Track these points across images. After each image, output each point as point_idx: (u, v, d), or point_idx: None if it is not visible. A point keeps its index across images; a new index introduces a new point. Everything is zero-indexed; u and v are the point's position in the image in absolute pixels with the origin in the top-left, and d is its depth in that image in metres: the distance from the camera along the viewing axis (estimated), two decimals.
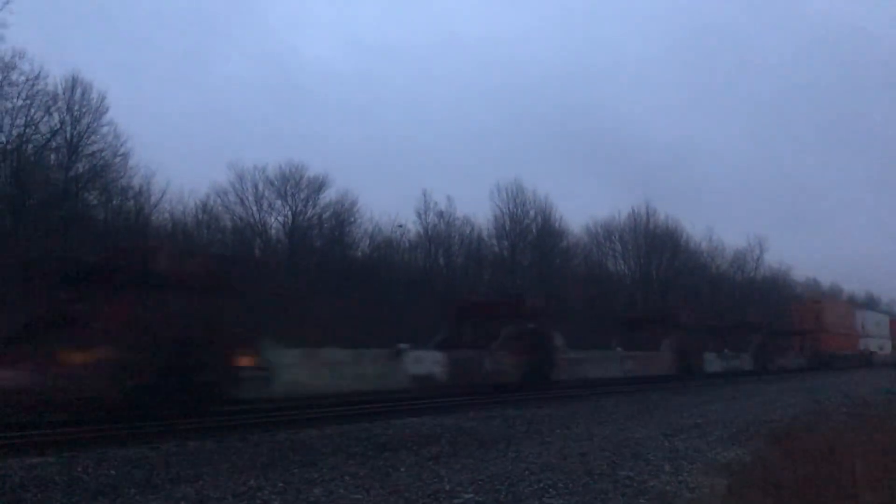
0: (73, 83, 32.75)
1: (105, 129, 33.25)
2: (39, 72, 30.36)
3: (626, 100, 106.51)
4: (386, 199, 60.72)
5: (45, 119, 31.22)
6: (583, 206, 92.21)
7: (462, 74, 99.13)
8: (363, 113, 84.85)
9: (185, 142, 61.37)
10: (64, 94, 32.21)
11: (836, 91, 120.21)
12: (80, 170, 32.92)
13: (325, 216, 44.16)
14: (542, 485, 7.23)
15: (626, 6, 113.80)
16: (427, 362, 18.84)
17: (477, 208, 56.20)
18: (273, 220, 43.68)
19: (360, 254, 44.05)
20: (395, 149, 78.98)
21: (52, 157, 32.31)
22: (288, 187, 43.36)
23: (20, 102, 29.70)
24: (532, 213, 51.05)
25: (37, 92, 30.31)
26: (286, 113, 75.20)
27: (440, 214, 46.81)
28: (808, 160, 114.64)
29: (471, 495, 6.69)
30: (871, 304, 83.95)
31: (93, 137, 33.09)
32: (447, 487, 7.00)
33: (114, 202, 34.26)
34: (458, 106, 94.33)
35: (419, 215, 46.45)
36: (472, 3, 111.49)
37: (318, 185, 43.50)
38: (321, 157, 79.12)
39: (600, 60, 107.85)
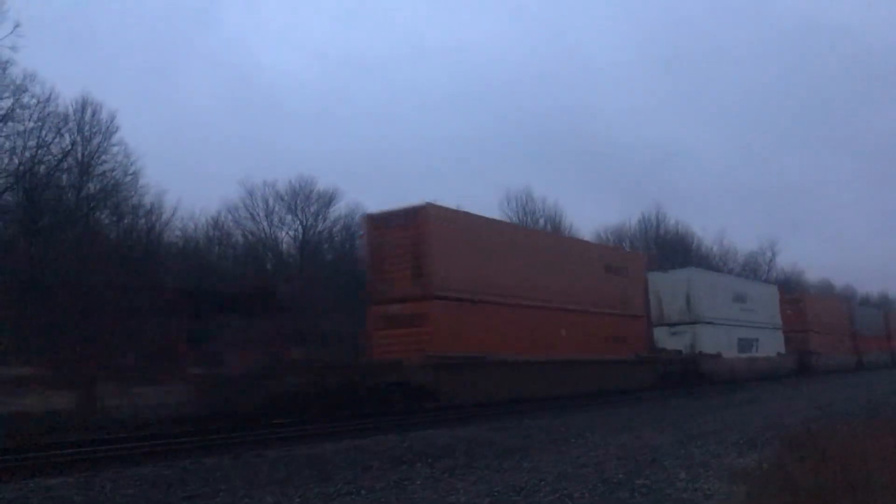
0: (84, 104, 33.14)
1: (115, 149, 33.72)
2: (50, 94, 30.76)
3: (602, 102, 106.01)
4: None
5: (57, 140, 31.62)
6: (588, 213, 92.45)
7: (433, 83, 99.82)
8: (338, 124, 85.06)
9: (182, 159, 61.31)
10: (74, 114, 32.66)
11: (820, 88, 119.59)
12: (92, 189, 33.30)
13: (335, 230, 44.37)
14: (558, 495, 7.22)
15: (589, 9, 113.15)
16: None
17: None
18: (284, 234, 43.96)
19: None
20: (377, 158, 78.62)
21: (64, 177, 32.67)
22: (298, 201, 43.64)
23: (32, 125, 30.09)
24: (542, 221, 51.16)
25: (48, 114, 30.74)
26: (254, 125, 74.23)
27: None
28: (793, 160, 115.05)
29: None
30: (885, 304, 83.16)
31: (104, 157, 33.58)
32: (463, 499, 7.00)
33: (125, 220, 34.57)
34: (432, 115, 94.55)
35: None
36: (435, 12, 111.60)
37: (328, 199, 43.74)
38: (295, 170, 78.70)
39: (569, 64, 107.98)
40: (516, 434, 12.41)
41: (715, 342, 29.74)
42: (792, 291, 49.26)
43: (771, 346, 35.32)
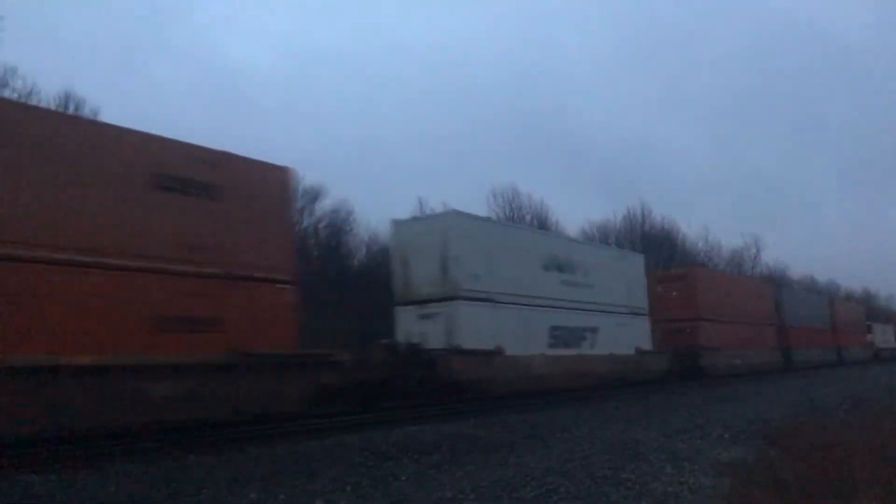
0: (67, 99, 32.84)
1: None
2: (32, 88, 30.45)
3: (580, 100, 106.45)
4: (380, 206, 60.94)
5: None
6: (573, 209, 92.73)
7: (410, 80, 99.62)
8: (315, 120, 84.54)
9: None
10: (57, 109, 32.27)
11: (794, 83, 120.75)
12: None
13: (321, 226, 44.19)
14: (544, 489, 7.21)
15: (565, 6, 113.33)
16: None
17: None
18: None
19: (356, 263, 44.05)
20: (357, 154, 78.36)
21: None
22: None
23: None
24: (528, 217, 51.24)
25: None
26: (227, 120, 72.89)
27: None
28: (770, 155, 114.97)
29: (472, 502, 6.67)
30: (868, 300, 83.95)
31: None
32: (449, 495, 6.98)
33: None
34: (411, 112, 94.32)
35: None
36: (410, 9, 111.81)
37: (314, 195, 43.54)
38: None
39: (546, 62, 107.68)
40: (501, 430, 12.41)
41: (491, 331, 18.32)
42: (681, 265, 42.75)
43: (623, 339, 23.93)
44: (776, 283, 51.81)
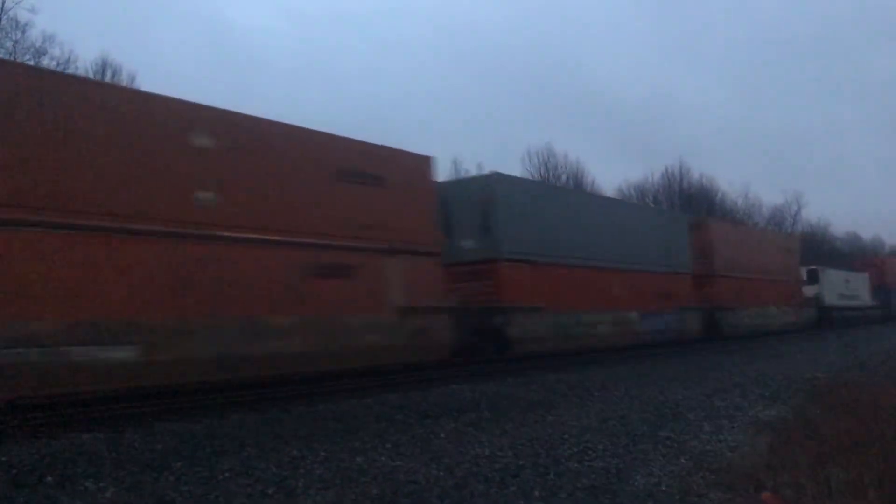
0: (104, 66, 33.16)
1: None
2: (69, 56, 30.77)
3: (601, 58, 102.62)
4: None
5: None
6: (609, 169, 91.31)
7: (420, 40, 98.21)
8: (325, 82, 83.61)
9: None
10: (95, 77, 32.62)
11: (822, 31, 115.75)
12: None
13: None
14: (581, 447, 7.24)
15: None
16: None
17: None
18: None
19: None
20: (370, 115, 77.19)
21: None
22: None
23: None
24: (564, 177, 50.81)
25: None
26: (235, 84, 71.21)
27: None
28: (812, 112, 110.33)
29: (510, 459, 6.73)
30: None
31: None
32: (487, 452, 7.04)
33: None
34: (424, 72, 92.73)
35: None
36: None
37: None
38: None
39: (561, 22, 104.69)
40: (539, 389, 12.46)
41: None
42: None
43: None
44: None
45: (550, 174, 50.52)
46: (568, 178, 50.62)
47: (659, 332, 23.71)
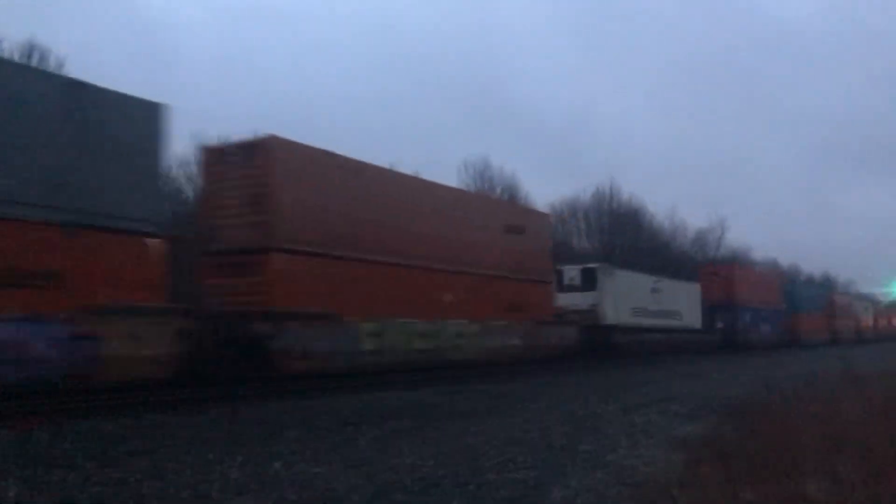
0: (31, 49, 31.90)
1: None
2: None
3: (530, 70, 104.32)
4: None
5: None
6: (543, 185, 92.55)
7: (347, 41, 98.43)
8: (248, 79, 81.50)
9: None
10: (20, 60, 31.34)
11: (743, 61, 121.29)
12: None
13: None
14: (503, 458, 7.28)
15: None
16: None
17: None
18: None
19: None
20: (297, 116, 76.20)
21: None
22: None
23: None
24: (499, 189, 51.18)
25: None
26: (153, 78, 68.97)
27: None
28: (734, 138, 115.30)
29: (431, 469, 6.72)
30: (827, 284, 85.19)
31: None
32: (408, 461, 7.02)
33: None
34: (351, 74, 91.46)
35: None
36: None
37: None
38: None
39: (492, 30, 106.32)
40: (464, 399, 12.51)
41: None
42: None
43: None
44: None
45: (486, 186, 50.84)
46: (503, 191, 51.01)
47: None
